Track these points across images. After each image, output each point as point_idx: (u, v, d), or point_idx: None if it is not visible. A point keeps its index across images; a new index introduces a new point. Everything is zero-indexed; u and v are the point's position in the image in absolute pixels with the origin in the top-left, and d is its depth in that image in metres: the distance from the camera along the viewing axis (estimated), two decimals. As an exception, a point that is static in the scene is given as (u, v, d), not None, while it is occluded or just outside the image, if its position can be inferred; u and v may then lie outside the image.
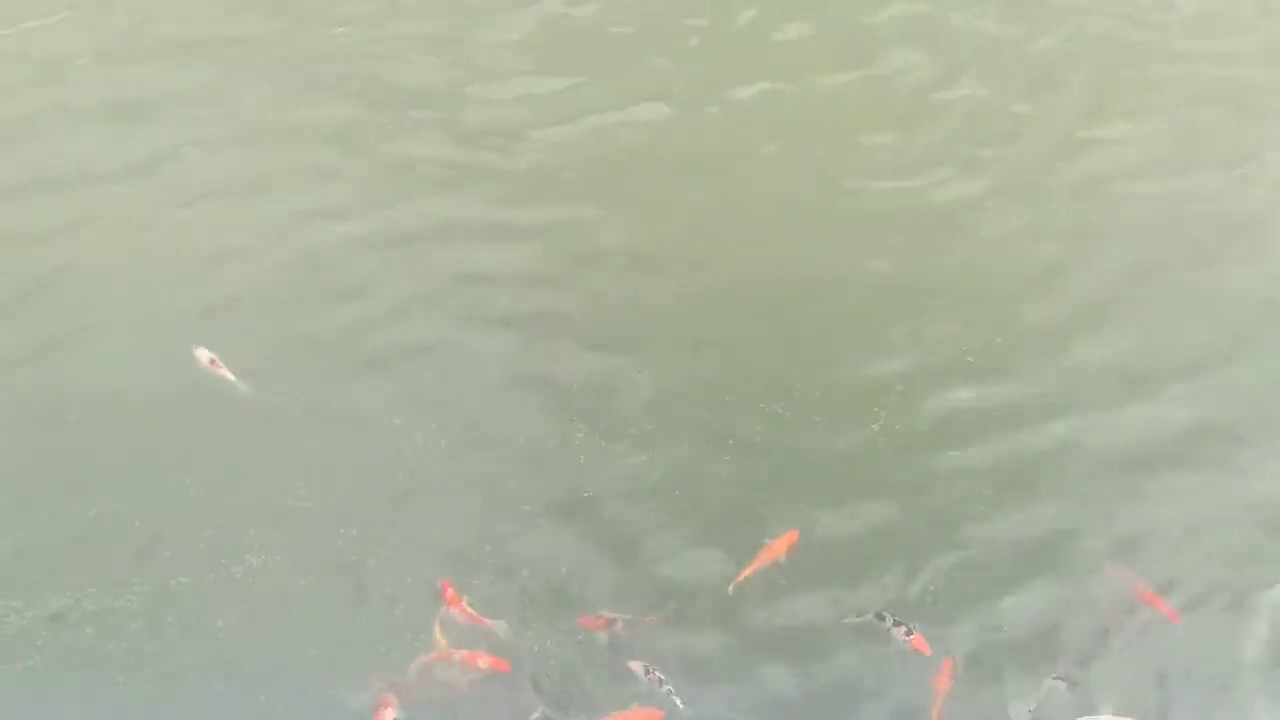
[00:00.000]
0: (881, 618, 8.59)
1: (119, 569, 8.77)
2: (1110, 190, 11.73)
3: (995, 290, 10.78)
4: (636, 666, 8.38)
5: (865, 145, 12.05)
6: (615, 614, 8.57)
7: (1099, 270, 10.98)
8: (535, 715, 8.15)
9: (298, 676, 8.38)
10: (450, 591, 8.63)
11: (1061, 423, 9.78)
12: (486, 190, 11.44)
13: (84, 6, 13.05)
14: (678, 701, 8.16)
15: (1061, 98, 12.66)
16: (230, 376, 9.65)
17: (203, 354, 9.75)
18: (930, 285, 10.80)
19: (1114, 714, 8.20)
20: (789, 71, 12.70)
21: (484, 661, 8.35)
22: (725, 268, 10.88)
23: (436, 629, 8.51)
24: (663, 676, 8.26)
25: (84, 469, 9.28)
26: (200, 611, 8.61)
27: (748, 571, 8.77)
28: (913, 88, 12.66)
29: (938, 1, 13.65)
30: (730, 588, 8.72)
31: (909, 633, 8.49)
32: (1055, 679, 8.43)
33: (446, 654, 8.37)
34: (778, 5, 13.37)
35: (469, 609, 8.57)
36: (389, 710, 8.00)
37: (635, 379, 9.96)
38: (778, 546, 8.88)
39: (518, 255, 10.87)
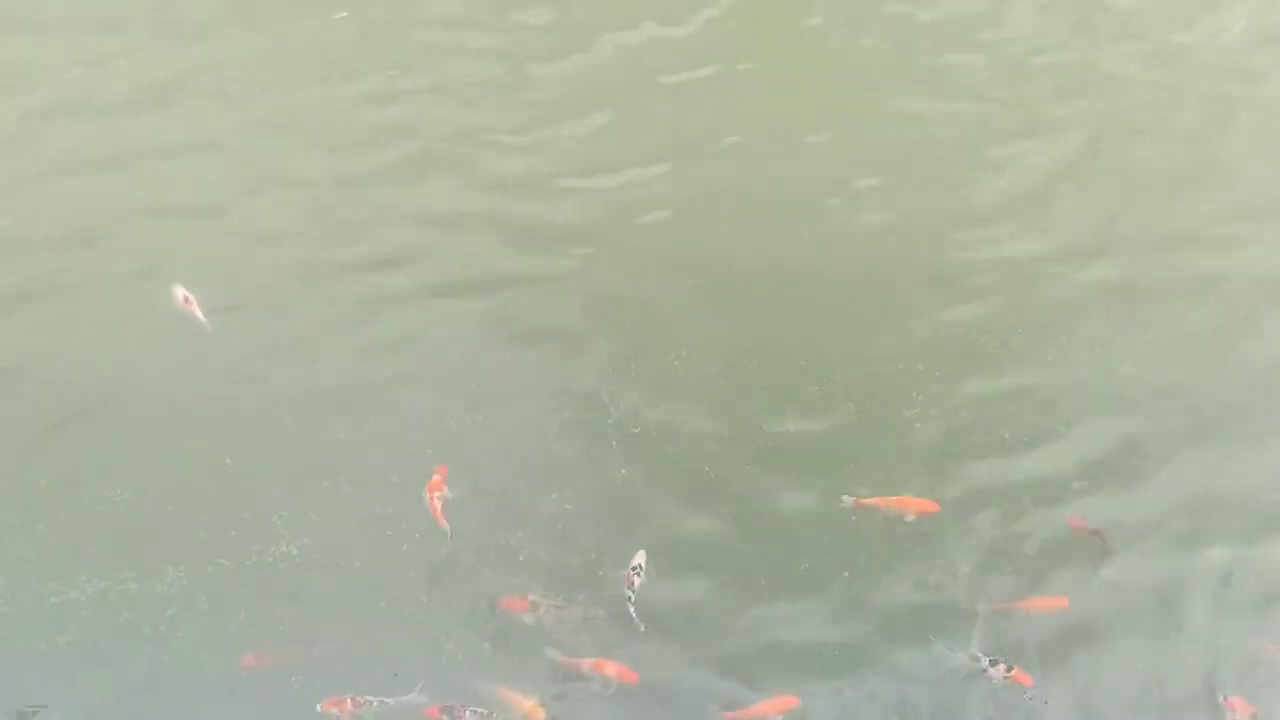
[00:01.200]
0: (976, 659, 8.46)
1: (155, 554, 9.04)
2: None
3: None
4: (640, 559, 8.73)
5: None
6: (540, 598, 8.65)
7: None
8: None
9: (328, 661, 8.58)
10: (438, 478, 8.98)
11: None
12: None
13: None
14: (633, 611, 8.49)
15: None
16: (200, 316, 10.01)
17: (178, 292, 10.11)
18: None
19: None
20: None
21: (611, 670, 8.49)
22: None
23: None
24: (632, 592, 8.54)
25: (122, 458, 9.56)
26: (232, 595, 8.86)
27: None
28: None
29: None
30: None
31: (1009, 669, 8.37)
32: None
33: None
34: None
35: (438, 502, 8.90)
36: None
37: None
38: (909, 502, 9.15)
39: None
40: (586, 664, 8.44)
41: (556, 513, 9.26)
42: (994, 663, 8.39)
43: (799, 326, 10.41)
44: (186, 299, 10.10)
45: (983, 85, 12.46)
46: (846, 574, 9.01)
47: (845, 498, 9.14)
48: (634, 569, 8.73)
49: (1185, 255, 11.00)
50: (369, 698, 8.21)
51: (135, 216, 11.15)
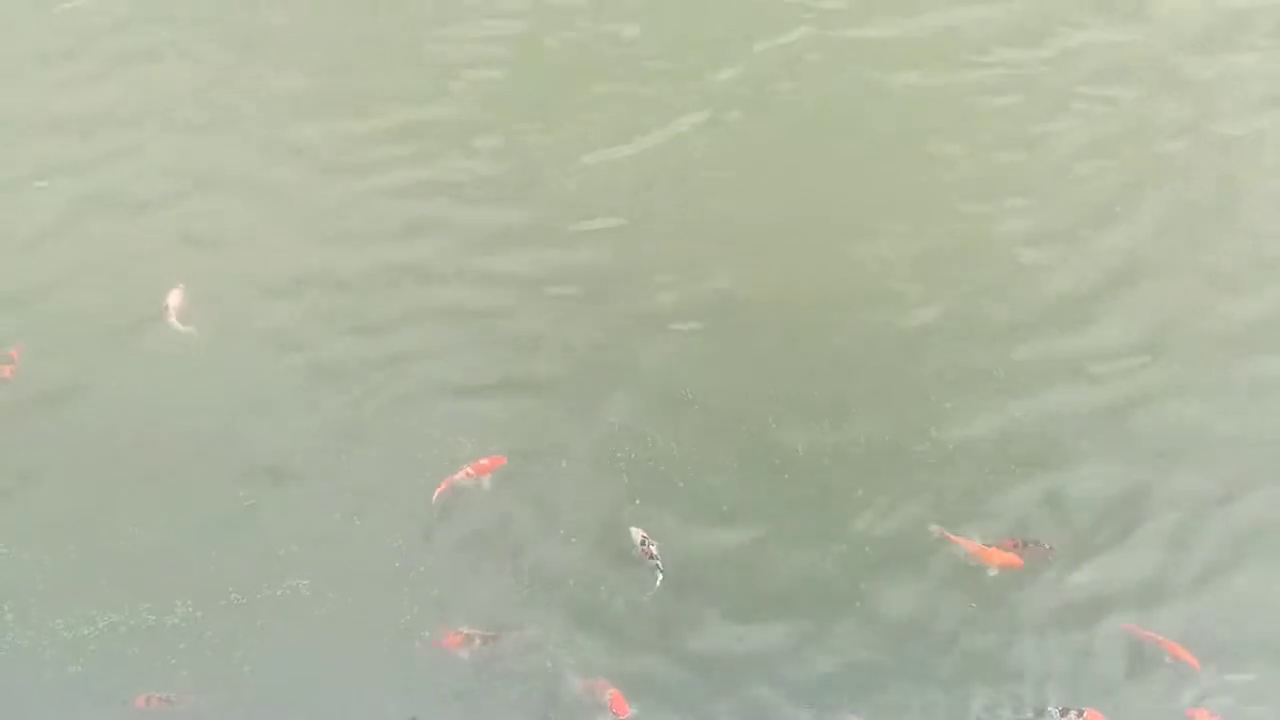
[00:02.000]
0: (1045, 712, 8.46)
1: (167, 588, 9.13)
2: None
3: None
4: (638, 534, 9.03)
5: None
6: (475, 630, 8.77)
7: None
8: None
9: (332, 695, 8.69)
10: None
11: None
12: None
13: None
14: (660, 574, 8.88)
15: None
16: (180, 327, 10.37)
17: (174, 298, 10.56)
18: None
19: None
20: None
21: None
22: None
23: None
24: (653, 552, 8.85)
25: (133, 493, 9.68)
26: (240, 631, 8.94)
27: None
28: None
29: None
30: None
31: (1080, 714, 8.40)
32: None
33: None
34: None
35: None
36: None
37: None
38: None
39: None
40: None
41: (567, 558, 9.34)
42: (1064, 711, 8.40)
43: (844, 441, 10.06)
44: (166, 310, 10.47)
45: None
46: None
47: (932, 528, 9.23)
48: (643, 543, 9.01)
49: (1239, 355, 10.61)
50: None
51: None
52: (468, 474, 9.46)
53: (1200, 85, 12.83)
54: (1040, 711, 8.43)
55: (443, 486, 9.42)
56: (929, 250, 11.30)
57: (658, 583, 8.96)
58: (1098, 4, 13.69)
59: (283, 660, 8.87)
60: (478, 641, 8.72)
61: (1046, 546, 9.14)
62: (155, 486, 9.70)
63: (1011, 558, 9.06)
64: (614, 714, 8.35)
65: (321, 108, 12.56)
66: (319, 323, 10.78)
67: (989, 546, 9.11)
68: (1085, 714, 8.33)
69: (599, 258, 11.30)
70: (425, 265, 11.19)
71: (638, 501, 9.50)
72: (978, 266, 11.22)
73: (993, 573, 9.04)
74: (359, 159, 12.06)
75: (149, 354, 10.53)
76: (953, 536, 9.21)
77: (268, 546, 9.35)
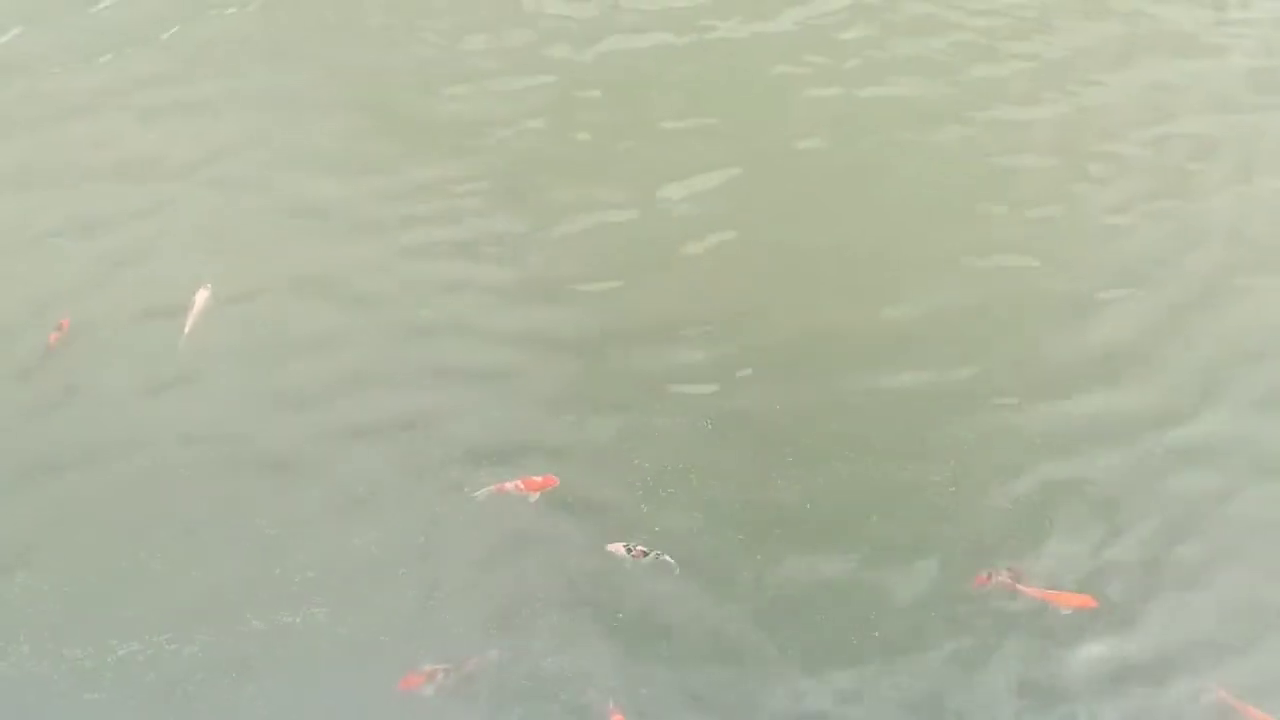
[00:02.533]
0: None
1: (184, 619, 9.16)
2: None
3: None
4: (617, 549, 9.16)
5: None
6: (438, 665, 8.83)
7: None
8: None
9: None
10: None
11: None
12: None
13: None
14: (669, 559, 9.14)
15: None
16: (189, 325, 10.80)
17: (201, 296, 10.97)
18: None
19: None
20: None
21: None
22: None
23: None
24: (644, 549, 9.13)
25: (151, 520, 9.74)
26: (258, 661, 8.97)
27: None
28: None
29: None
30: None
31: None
32: None
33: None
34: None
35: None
36: None
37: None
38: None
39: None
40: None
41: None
42: None
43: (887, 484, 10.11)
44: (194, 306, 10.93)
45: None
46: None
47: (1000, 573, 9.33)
48: (629, 550, 9.24)
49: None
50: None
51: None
52: (518, 486, 9.64)
53: (1235, 141, 13.05)
54: None
55: (493, 488, 9.61)
56: (965, 307, 11.32)
57: (674, 569, 9.14)
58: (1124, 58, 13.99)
59: (299, 690, 8.89)
60: (440, 676, 8.79)
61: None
62: (173, 517, 9.76)
63: (1086, 599, 9.22)
64: None
65: (343, 166, 12.75)
66: (338, 381, 10.79)
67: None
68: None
69: (616, 317, 11.30)
70: (445, 324, 11.23)
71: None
72: (1014, 324, 11.25)
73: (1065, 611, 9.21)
74: (380, 217, 12.21)
75: (165, 396, 10.61)
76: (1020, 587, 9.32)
77: (287, 575, 9.39)
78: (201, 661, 8.95)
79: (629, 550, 9.19)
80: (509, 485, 9.64)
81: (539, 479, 9.66)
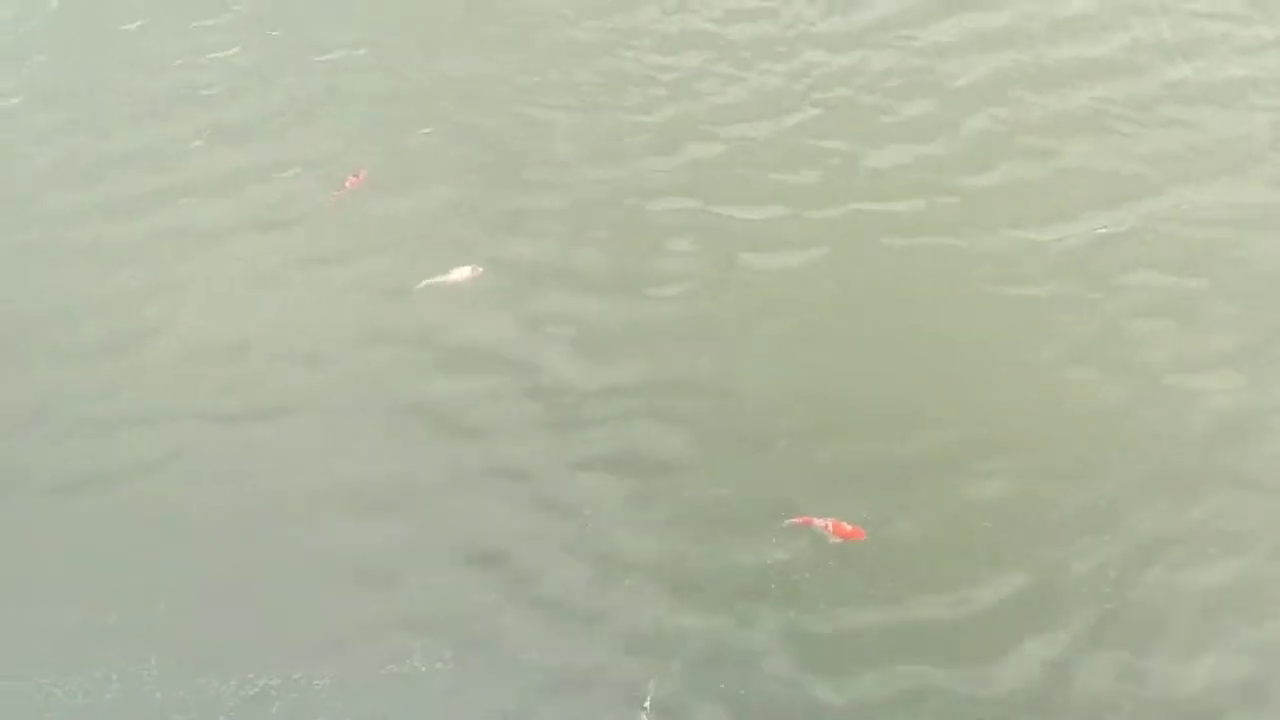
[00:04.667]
0: None
1: (311, 657, 9.33)
2: None
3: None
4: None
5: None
6: None
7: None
8: None
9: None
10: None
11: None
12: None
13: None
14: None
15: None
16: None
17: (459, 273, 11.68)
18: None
19: None
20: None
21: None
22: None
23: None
24: None
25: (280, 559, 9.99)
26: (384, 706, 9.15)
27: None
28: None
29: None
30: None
31: None
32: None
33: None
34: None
35: None
36: None
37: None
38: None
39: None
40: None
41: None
42: None
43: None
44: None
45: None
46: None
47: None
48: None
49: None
50: None
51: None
52: (828, 526, 9.73)
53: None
54: None
55: (801, 520, 9.79)
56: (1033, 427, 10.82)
57: None
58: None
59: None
60: None
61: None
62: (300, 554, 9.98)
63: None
64: None
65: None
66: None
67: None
68: None
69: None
70: (543, 389, 11.12)
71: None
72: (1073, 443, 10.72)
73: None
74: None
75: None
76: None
77: (409, 619, 9.51)
78: (334, 694, 9.09)
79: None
80: (818, 521, 9.78)
81: (849, 527, 9.74)
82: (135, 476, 10.44)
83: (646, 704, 8.98)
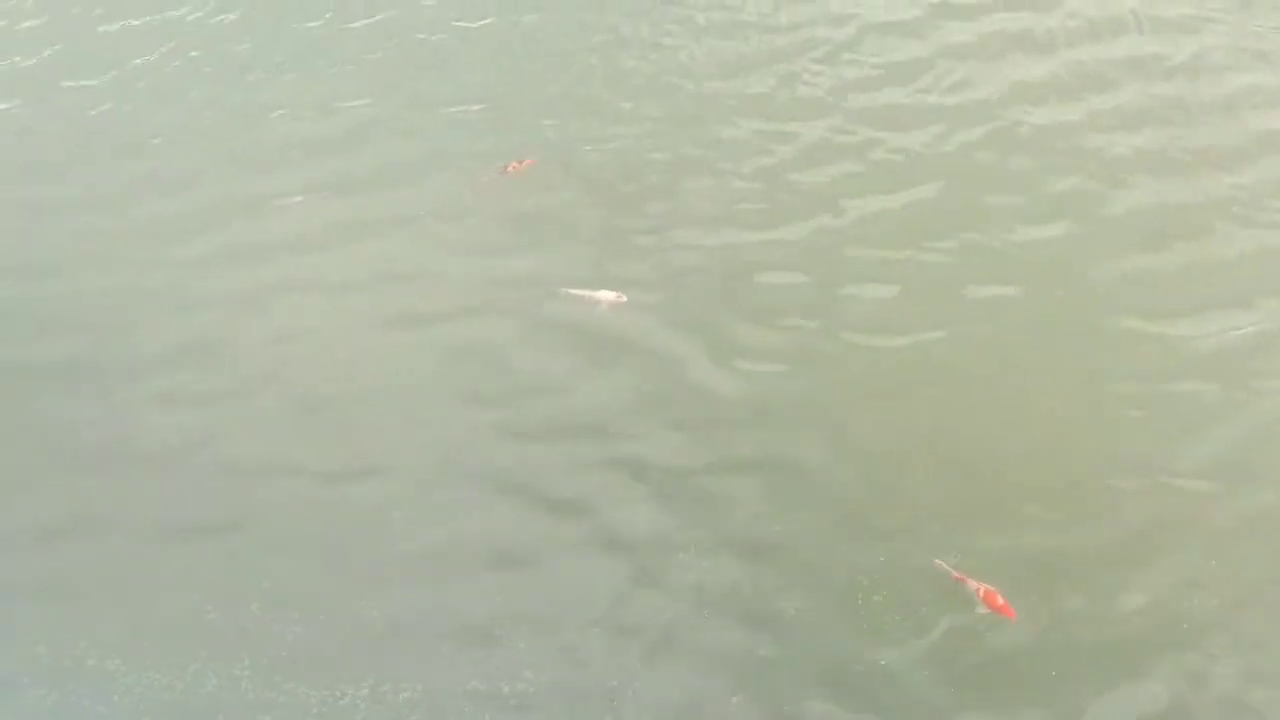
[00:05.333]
0: None
1: (399, 673, 9.68)
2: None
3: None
4: None
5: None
6: None
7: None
8: None
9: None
10: None
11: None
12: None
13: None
14: None
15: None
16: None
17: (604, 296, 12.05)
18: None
19: None
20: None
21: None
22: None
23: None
24: None
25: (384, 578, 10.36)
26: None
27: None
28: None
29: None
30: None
31: None
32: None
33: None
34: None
35: None
36: None
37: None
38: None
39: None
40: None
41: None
42: None
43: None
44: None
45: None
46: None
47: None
48: None
49: None
50: None
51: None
52: (979, 592, 9.59)
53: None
54: None
55: (958, 576, 9.71)
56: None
57: None
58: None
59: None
60: None
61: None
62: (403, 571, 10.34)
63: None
64: None
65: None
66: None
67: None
68: None
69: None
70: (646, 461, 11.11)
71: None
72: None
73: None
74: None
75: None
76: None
77: (508, 643, 9.80)
78: (416, 706, 9.41)
79: None
80: (973, 584, 9.64)
81: (1002, 601, 9.56)
82: (237, 526, 10.75)
83: None
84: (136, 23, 16.52)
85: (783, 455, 10.89)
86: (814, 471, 10.72)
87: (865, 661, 9.49)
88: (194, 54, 15.88)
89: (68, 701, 9.62)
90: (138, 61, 15.84)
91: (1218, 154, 13.42)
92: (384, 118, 14.72)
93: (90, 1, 16.97)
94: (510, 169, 13.37)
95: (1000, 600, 9.52)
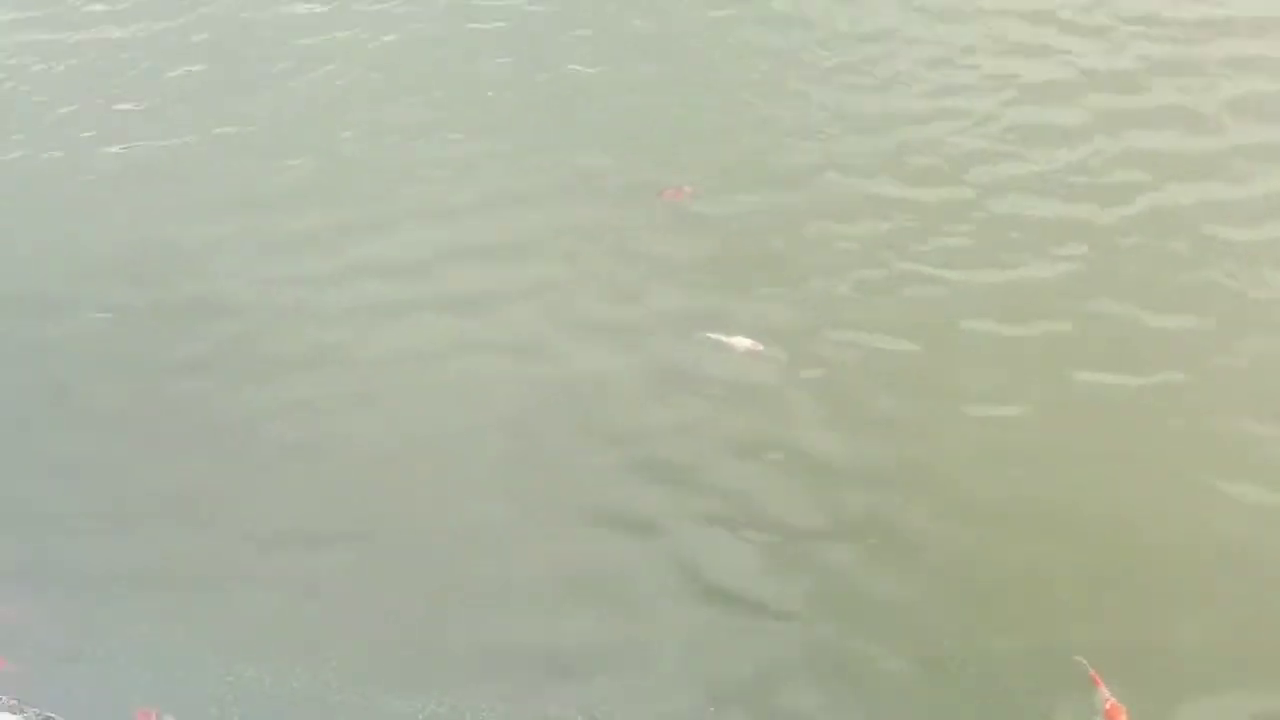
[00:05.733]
0: None
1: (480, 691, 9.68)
2: None
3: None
4: None
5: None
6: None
7: None
8: None
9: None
10: None
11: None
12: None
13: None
14: None
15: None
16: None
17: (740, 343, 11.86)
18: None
19: None
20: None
21: None
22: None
23: None
24: None
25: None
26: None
27: None
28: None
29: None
30: None
31: None
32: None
33: None
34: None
35: None
36: None
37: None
38: None
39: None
40: None
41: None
42: None
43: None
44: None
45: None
46: None
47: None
48: None
49: None
50: None
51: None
52: (1107, 703, 8.93)
53: None
54: None
55: (1094, 675, 9.12)
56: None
57: None
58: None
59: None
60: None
61: None
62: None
63: None
64: None
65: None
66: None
67: None
68: None
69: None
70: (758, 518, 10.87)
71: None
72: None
73: None
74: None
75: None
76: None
77: (591, 678, 9.73)
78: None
79: None
80: (1104, 691, 8.94)
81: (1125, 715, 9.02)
82: (343, 534, 10.91)
83: None
84: (306, 42, 17.33)
85: (892, 520, 10.51)
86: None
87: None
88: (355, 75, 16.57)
89: (159, 683, 9.88)
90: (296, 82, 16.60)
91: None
92: (533, 143, 14.90)
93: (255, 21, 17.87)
94: (666, 195, 13.56)
95: (1123, 716, 8.82)
